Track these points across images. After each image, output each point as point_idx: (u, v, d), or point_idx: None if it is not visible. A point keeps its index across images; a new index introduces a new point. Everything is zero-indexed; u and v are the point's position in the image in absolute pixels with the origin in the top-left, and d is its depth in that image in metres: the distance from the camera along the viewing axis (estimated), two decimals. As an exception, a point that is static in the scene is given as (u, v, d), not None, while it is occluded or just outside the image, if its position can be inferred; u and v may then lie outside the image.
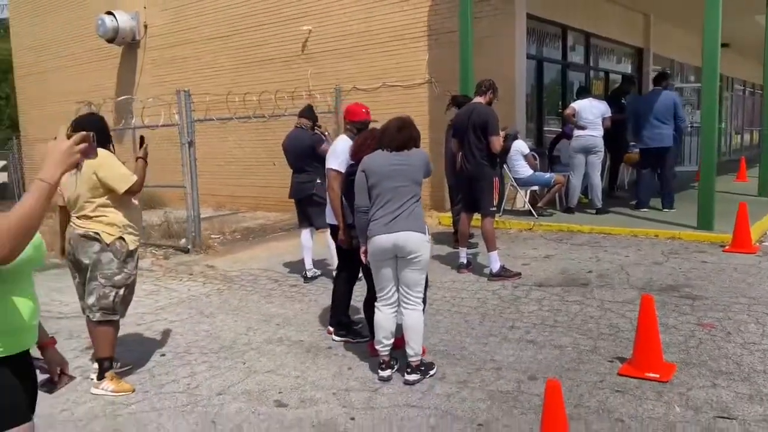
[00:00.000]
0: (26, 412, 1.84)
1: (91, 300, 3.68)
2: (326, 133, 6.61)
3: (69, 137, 1.72)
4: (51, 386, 2.10)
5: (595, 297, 5.28)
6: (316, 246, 6.60)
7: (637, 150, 10.01)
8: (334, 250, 6.11)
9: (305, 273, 6.48)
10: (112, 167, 3.59)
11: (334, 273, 6.19)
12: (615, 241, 7.36)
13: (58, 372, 2.13)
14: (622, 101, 10.15)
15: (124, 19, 13.07)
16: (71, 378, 2.20)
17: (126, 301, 3.84)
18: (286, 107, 9.19)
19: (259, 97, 9.23)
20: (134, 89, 13.32)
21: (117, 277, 3.70)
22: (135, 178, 3.66)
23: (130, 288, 3.84)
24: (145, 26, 13.27)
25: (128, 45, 13.54)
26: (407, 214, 3.72)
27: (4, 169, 20.12)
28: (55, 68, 15.21)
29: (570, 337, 4.42)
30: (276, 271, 6.98)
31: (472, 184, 6.07)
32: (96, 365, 3.85)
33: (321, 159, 6.25)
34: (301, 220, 6.57)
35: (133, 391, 3.82)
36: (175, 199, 10.90)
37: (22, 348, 1.84)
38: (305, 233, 6.52)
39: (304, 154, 6.25)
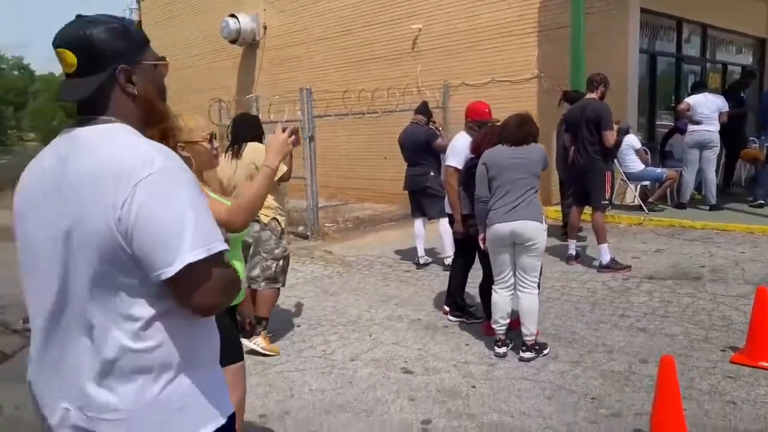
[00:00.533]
0: (243, 352, 2.36)
1: (255, 272, 4.30)
2: (440, 129, 6.99)
3: (284, 131, 2.18)
4: (244, 333, 2.62)
5: (708, 290, 5.33)
6: (427, 235, 6.99)
7: (757, 145, 9.65)
8: (447, 239, 6.51)
9: (418, 260, 6.89)
10: (268, 158, 4.17)
11: (445, 261, 6.62)
12: (729, 237, 7.24)
13: (248, 323, 2.65)
14: (741, 95, 9.81)
15: (245, 21, 14.04)
16: (255, 328, 2.73)
17: (285, 270, 4.44)
18: (397, 103, 9.64)
19: (372, 94, 9.75)
20: (253, 87, 14.29)
21: (276, 251, 4.31)
22: (285, 167, 4.21)
23: (286, 260, 4.44)
24: (265, 27, 14.20)
25: (248, 45, 14.53)
26: (526, 204, 4.03)
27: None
28: (184, 67, 16.51)
29: (681, 326, 4.55)
30: (389, 258, 7.45)
31: (583, 177, 6.24)
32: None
33: (435, 153, 6.66)
34: (414, 210, 6.97)
35: (279, 353, 4.39)
36: (290, 189, 11.70)
37: (237, 301, 2.36)
38: (418, 223, 6.92)
39: (419, 149, 6.64)
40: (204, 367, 1.41)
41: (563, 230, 7.33)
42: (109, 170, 1.25)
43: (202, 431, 1.38)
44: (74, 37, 1.37)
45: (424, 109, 6.85)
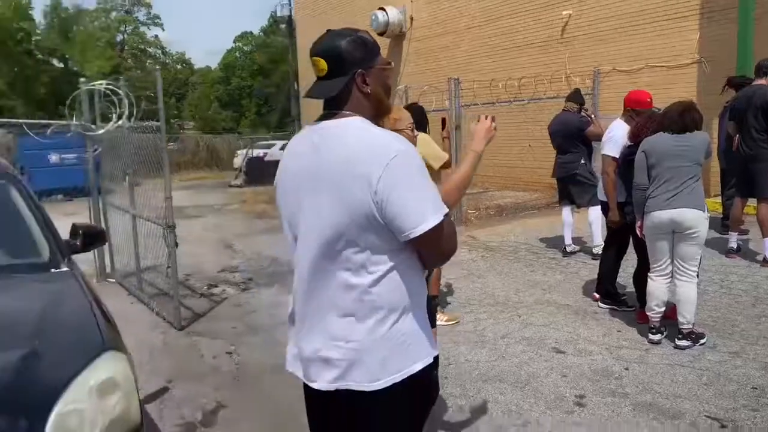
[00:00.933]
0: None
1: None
2: (592, 116, 6.96)
3: (486, 118, 2.38)
4: None
5: None
6: (575, 223, 7.00)
7: None
8: (596, 228, 6.51)
9: (564, 248, 6.94)
10: (431, 147, 4.48)
11: (593, 250, 6.62)
12: None
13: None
14: None
15: (393, 14, 14.59)
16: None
17: None
18: (545, 91, 9.62)
19: (519, 82, 9.80)
20: (398, 78, 14.81)
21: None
22: (446, 156, 4.50)
23: None
24: (411, 19, 14.64)
25: (395, 37, 15.06)
26: (688, 191, 4.02)
27: (284, 148, 23.73)
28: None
29: None
30: (533, 245, 7.56)
31: (748, 167, 5.95)
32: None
33: (586, 141, 6.64)
34: (562, 198, 7.01)
35: (458, 321, 4.79)
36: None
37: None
38: (566, 211, 6.95)
39: (571, 136, 6.65)
40: (419, 313, 1.74)
41: (723, 222, 7.01)
42: (361, 153, 1.60)
43: (417, 365, 1.71)
44: (326, 48, 1.73)
45: (576, 97, 6.84)
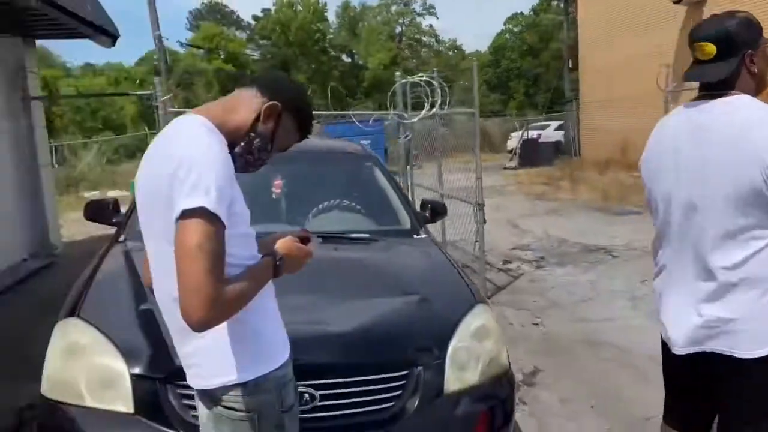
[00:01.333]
0: None
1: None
2: None
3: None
4: None
5: None
6: None
7: None
8: None
9: None
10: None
11: None
12: None
13: None
14: None
15: (693, -21, 13.31)
16: None
17: None
18: None
19: None
20: (695, 48, 13.49)
21: None
22: None
23: None
24: (715, -18, 13.19)
25: (693, 5, 13.75)
26: None
27: (560, 128, 23.31)
28: (619, 34, 16.51)
29: None
30: None
31: None
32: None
33: None
34: None
35: None
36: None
37: None
38: None
39: None
40: None
41: None
42: (754, 131, 1.67)
43: None
44: (714, 32, 1.81)
45: None
